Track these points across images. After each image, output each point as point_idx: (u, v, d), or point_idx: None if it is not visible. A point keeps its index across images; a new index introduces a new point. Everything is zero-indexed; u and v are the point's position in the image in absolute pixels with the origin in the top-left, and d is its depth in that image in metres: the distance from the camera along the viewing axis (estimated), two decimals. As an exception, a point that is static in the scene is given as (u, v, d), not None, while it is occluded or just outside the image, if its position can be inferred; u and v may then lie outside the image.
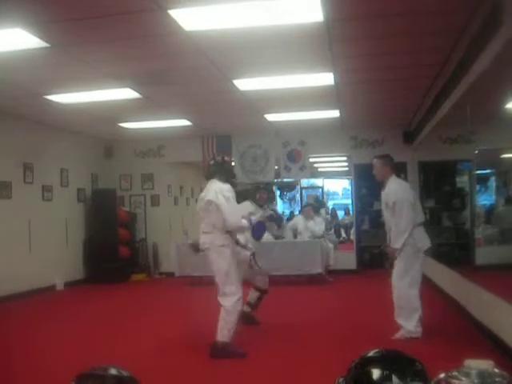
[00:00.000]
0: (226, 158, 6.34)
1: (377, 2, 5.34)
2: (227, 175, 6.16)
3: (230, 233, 5.91)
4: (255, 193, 7.86)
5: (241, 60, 7.20)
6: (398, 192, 6.40)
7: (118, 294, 10.98)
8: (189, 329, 7.13)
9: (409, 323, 6.28)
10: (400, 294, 6.37)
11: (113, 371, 2.03)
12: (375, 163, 6.69)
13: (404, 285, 6.35)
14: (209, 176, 6.16)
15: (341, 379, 1.83)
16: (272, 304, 7.59)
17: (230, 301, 5.76)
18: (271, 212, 8.20)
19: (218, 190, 5.82)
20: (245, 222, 6.03)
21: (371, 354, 1.83)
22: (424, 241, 6.49)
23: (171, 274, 12.12)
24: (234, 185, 6.17)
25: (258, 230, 7.18)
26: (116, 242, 12.62)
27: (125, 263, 12.81)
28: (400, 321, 6.33)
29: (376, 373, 1.72)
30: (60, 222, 11.83)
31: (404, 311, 6.35)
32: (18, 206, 10.40)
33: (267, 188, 9.06)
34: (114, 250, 12.49)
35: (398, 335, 6.25)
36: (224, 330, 5.77)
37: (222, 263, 5.79)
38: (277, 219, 7.79)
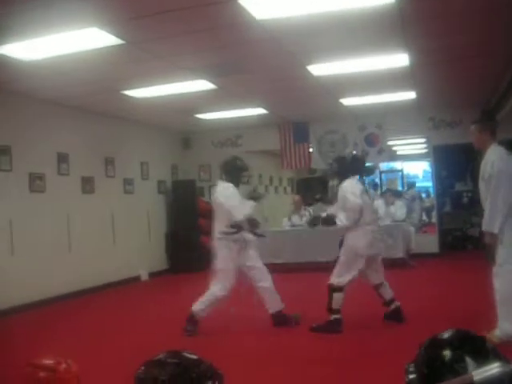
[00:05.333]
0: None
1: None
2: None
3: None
4: None
5: (313, 46, 7.14)
6: (495, 163, 5.13)
7: (200, 282, 11.12)
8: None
9: (506, 323, 5.02)
10: (500, 284, 5.12)
11: (187, 355, 1.92)
12: (472, 129, 5.57)
13: (506, 273, 5.09)
14: None
15: (411, 365, 1.76)
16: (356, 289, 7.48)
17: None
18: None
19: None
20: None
21: (440, 335, 1.75)
22: None
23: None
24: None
25: None
26: (197, 231, 12.81)
27: (206, 252, 12.95)
28: (499, 318, 5.09)
29: (447, 355, 1.65)
30: (142, 214, 12.11)
31: (503, 307, 5.08)
32: (101, 200, 10.71)
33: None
34: (195, 239, 12.69)
35: (491, 334, 4.89)
36: None
37: None
38: None
